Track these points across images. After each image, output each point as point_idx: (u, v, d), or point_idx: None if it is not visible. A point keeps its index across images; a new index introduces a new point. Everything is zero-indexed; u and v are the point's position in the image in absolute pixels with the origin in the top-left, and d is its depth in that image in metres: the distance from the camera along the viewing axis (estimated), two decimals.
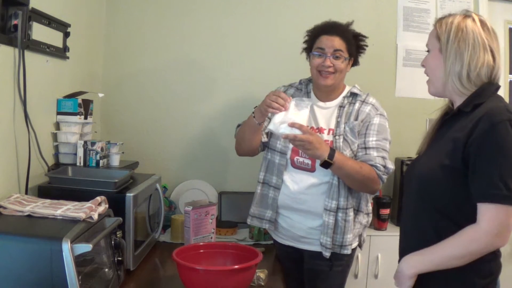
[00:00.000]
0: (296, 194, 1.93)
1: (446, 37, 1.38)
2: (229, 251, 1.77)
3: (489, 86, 1.36)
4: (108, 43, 2.75)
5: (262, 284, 1.74)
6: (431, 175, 1.35)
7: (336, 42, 1.91)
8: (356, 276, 2.54)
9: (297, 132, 1.73)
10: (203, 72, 2.78)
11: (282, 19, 2.72)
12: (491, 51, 1.36)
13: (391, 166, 1.90)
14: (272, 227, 2.02)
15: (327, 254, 1.90)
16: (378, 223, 2.61)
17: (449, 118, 1.43)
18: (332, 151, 1.79)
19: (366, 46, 2.03)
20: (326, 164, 1.78)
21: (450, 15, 1.43)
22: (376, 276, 2.54)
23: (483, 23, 1.39)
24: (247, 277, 1.61)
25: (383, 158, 1.89)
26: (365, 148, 1.90)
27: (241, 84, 2.77)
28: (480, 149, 1.25)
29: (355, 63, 2.03)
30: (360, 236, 2.02)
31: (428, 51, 1.46)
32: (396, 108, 2.81)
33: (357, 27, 2.79)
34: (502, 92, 2.89)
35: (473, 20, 1.38)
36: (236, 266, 1.61)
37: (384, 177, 1.89)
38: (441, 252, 1.30)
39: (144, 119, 2.78)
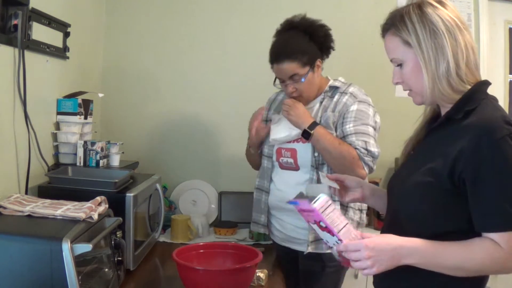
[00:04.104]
0: (283, 193, 1.94)
1: (415, 37, 1.16)
2: (229, 251, 1.77)
3: (480, 86, 1.18)
4: (108, 43, 2.75)
5: (262, 284, 1.73)
6: (412, 193, 1.19)
7: (287, 69, 1.85)
8: (356, 276, 2.54)
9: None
10: (203, 72, 2.78)
11: (282, 20, 2.72)
12: (465, 29, 1.17)
13: (374, 149, 1.81)
14: (267, 231, 2.05)
15: (309, 249, 1.87)
16: (377, 223, 2.61)
17: (436, 127, 1.24)
18: (315, 123, 1.82)
19: (329, 34, 1.93)
20: (305, 134, 1.81)
21: (395, 15, 1.22)
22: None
23: (443, 4, 1.19)
24: (247, 277, 1.61)
25: (365, 142, 1.81)
26: (343, 136, 1.85)
27: (241, 84, 2.77)
28: (480, 170, 1.07)
29: (327, 53, 1.95)
30: None
31: (399, 65, 1.23)
32: (396, 108, 2.81)
33: (357, 27, 2.81)
34: (502, 92, 2.89)
35: (431, 5, 1.18)
36: (236, 266, 1.61)
37: (368, 159, 1.80)
38: (451, 259, 1.11)
39: (144, 119, 2.78)
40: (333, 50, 1.98)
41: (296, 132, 1.87)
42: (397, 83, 1.26)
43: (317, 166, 1.87)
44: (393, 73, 1.26)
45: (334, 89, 1.95)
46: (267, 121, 2.08)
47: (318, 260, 1.91)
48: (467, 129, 1.12)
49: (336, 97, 1.92)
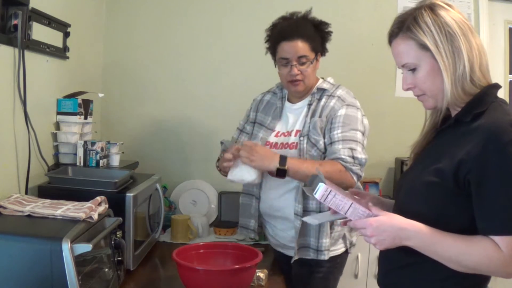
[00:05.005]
0: (272, 201, 1.90)
1: (432, 40, 1.15)
2: (229, 251, 1.77)
3: (490, 89, 1.18)
4: (108, 43, 2.75)
5: (262, 284, 1.73)
6: (418, 192, 1.20)
7: (299, 47, 1.81)
8: (356, 276, 2.54)
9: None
10: (203, 72, 2.78)
11: None
12: (475, 31, 1.18)
13: (361, 155, 1.76)
14: (257, 236, 2.02)
15: (296, 257, 1.85)
16: None
17: (444, 129, 1.24)
18: (283, 157, 1.70)
19: (331, 32, 1.91)
20: (281, 173, 1.70)
21: (405, 19, 1.20)
22: (376, 276, 2.54)
23: (451, 6, 1.18)
24: (247, 277, 1.61)
25: (351, 149, 1.75)
26: (331, 143, 1.78)
27: (241, 84, 2.77)
28: (486, 173, 1.07)
29: (323, 52, 1.93)
30: (344, 238, 1.92)
31: (413, 69, 1.20)
32: (396, 108, 2.81)
33: (357, 27, 2.82)
34: (502, 92, 2.89)
35: (442, 7, 1.17)
36: (236, 266, 1.61)
37: (355, 168, 1.73)
38: (449, 249, 1.11)
39: (144, 119, 2.78)
40: (327, 51, 1.94)
41: (253, 178, 1.74)
42: (408, 89, 1.24)
43: None
44: (404, 78, 1.24)
45: (322, 91, 1.89)
46: (254, 123, 2.01)
47: (306, 265, 1.89)
48: (475, 131, 1.11)
49: (324, 100, 1.86)
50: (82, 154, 2.05)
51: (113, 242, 1.54)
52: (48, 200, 1.54)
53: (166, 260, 1.97)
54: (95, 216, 1.42)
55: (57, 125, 2.09)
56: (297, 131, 1.87)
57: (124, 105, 2.77)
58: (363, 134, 1.82)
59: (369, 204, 1.24)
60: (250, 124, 2.03)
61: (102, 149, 2.08)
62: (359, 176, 1.77)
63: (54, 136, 2.06)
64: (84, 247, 1.26)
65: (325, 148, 1.81)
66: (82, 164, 2.05)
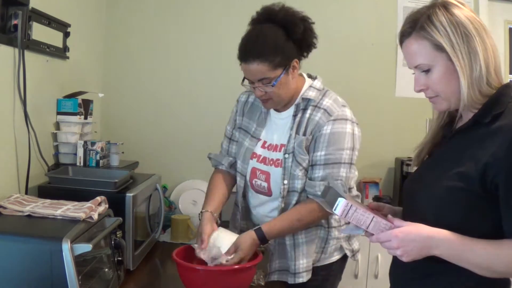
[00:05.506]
0: (262, 217, 1.81)
1: (448, 41, 1.10)
2: None
3: (505, 89, 1.14)
4: (108, 43, 2.75)
5: (262, 284, 1.73)
6: (442, 198, 1.15)
7: (256, 71, 1.57)
8: (356, 276, 2.54)
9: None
10: (203, 71, 2.78)
11: None
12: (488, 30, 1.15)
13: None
14: None
15: (275, 278, 1.77)
16: None
17: (462, 130, 1.18)
18: (258, 230, 1.60)
19: (311, 23, 1.64)
20: (263, 241, 1.62)
21: (418, 18, 1.15)
22: (376, 276, 2.54)
23: (464, 5, 1.14)
24: (247, 277, 1.61)
25: (331, 176, 1.62)
26: (312, 166, 1.66)
27: (240, 84, 2.77)
28: None
29: (307, 50, 1.66)
30: (340, 249, 1.82)
31: (426, 70, 1.15)
32: (396, 108, 2.82)
33: (357, 27, 2.82)
34: None
35: (456, 5, 1.13)
36: (236, 266, 1.61)
37: None
38: (479, 255, 1.08)
39: (144, 119, 2.78)
40: (315, 47, 1.68)
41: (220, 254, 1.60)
42: (420, 90, 1.19)
43: (284, 196, 1.69)
44: (416, 80, 1.18)
45: (307, 101, 1.70)
46: (240, 128, 1.88)
47: None
48: (497, 132, 1.08)
49: (309, 111, 1.68)
50: (82, 154, 2.05)
51: (113, 242, 1.54)
52: (48, 200, 1.54)
53: (166, 260, 1.98)
54: (95, 216, 1.42)
55: (57, 125, 2.09)
56: (282, 145, 1.72)
57: (124, 105, 2.78)
58: (352, 149, 1.67)
59: (388, 216, 1.20)
60: (238, 130, 1.90)
61: (102, 149, 2.08)
62: None
63: (54, 136, 2.07)
64: (84, 247, 1.26)
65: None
66: (82, 164, 2.05)
